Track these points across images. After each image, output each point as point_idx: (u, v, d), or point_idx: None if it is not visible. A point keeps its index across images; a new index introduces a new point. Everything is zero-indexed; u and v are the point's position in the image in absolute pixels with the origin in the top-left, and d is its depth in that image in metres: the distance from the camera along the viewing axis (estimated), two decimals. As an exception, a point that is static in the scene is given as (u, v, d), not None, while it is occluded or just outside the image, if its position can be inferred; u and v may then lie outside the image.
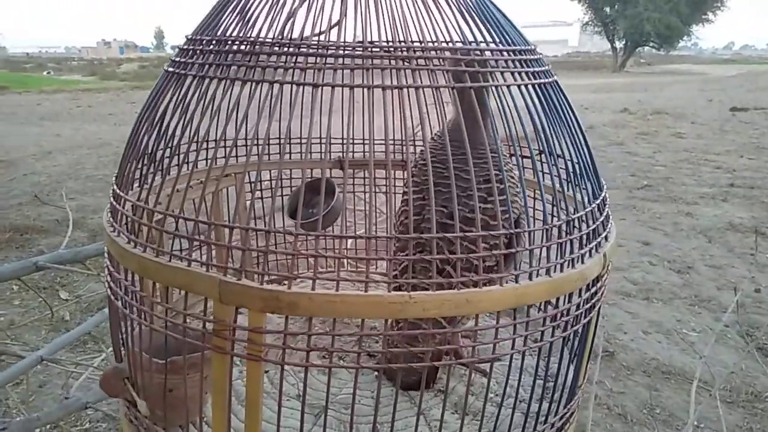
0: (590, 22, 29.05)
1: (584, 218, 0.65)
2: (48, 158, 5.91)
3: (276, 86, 0.58)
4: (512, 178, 0.78)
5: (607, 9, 27.51)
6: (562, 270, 0.60)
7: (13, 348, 1.46)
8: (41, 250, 3.26)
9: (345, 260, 1.13)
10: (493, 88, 0.61)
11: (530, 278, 0.58)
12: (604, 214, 0.69)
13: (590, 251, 0.64)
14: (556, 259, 0.60)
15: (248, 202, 0.99)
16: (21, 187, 4.72)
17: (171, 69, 0.67)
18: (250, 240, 0.66)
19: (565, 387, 0.70)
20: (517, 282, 0.57)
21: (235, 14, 0.66)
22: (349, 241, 1.20)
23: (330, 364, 0.58)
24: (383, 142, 1.07)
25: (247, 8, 0.65)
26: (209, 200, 0.88)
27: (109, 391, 0.70)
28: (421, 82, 0.58)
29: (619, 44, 28.05)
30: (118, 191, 0.70)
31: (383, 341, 0.72)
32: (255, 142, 0.63)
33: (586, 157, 0.69)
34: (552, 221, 0.61)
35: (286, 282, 0.54)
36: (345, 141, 0.58)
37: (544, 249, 0.60)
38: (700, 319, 2.64)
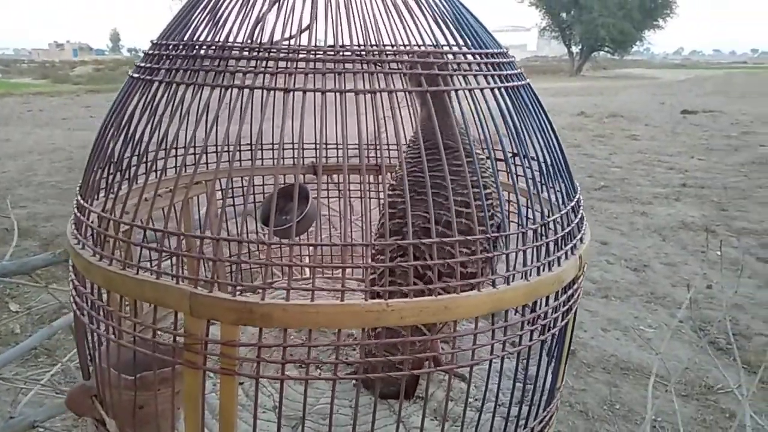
0: (548, 28, 29.72)
1: (559, 220, 0.64)
2: (-4, 164, 5.67)
3: (246, 91, 0.57)
4: (493, 183, 0.77)
5: (564, 14, 28.21)
6: (538, 273, 0.60)
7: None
8: (-11, 261, 3.12)
9: (321, 268, 1.12)
10: (467, 91, 0.61)
11: (507, 283, 0.57)
12: (579, 215, 0.69)
13: (566, 253, 0.63)
14: (532, 262, 0.60)
15: (219, 210, 0.97)
16: (-33, 195, 4.50)
17: (137, 75, 0.65)
18: (222, 250, 0.64)
19: (544, 390, 0.70)
20: (494, 287, 0.57)
21: (203, 17, 0.64)
22: (325, 248, 1.19)
23: (306, 376, 0.57)
24: (356, 146, 1.07)
25: (216, 11, 0.64)
26: (178, 209, 0.86)
27: (76, 409, 0.67)
28: (394, 86, 0.57)
29: (575, 49, 28.81)
30: (82, 202, 0.67)
31: (360, 350, 0.70)
32: (225, 148, 0.61)
33: (559, 158, 0.69)
34: (527, 224, 0.61)
35: (259, 292, 0.53)
36: (318, 146, 0.58)
37: (521, 253, 0.59)
38: (656, 315, 2.73)
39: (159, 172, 0.64)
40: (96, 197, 0.68)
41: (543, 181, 0.67)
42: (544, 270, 0.60)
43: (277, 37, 0.60)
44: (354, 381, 0.81)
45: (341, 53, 0.57)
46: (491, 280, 0.57)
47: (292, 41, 0.60)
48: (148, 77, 0.63)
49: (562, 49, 31.97)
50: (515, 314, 0.63)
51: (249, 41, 0.59)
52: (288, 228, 1.03)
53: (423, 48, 0.62)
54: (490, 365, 0.64)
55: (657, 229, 3.98)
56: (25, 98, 12.39)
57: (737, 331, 2.51)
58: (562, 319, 0.65)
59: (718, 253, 3.41)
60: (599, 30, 25.93)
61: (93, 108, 10.13)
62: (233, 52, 0.59)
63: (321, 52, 0.57)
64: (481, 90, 0.62)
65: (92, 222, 0.64)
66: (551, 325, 0.63)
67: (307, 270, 1.12)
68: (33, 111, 10.17)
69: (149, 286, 0.55)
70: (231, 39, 0.60)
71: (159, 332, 0.57)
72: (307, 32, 0.59)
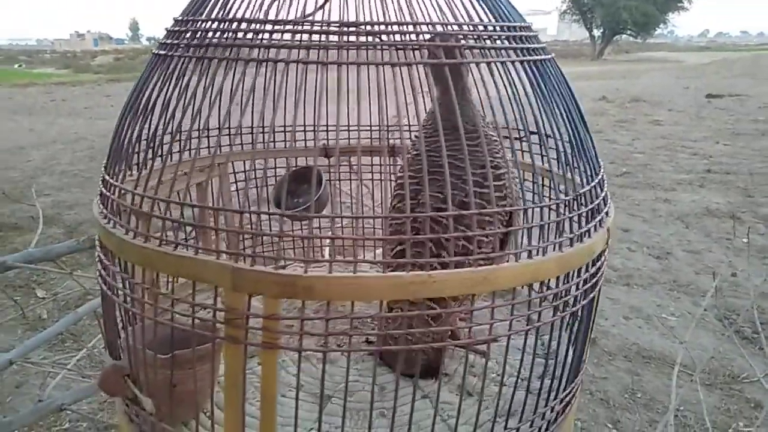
0: (568, 11, 29.22)
1: (589, 194, 0.65)
2: (21, 154, 5.77)
3: (281, 66, 0.55)
4: (505, 164, 0.78)
5: (585, -3, 27.69)
6: (571, 245, 0.60)
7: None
8: (15, 248, 3.19)
9: (361, 242, 1.11)
10: (493, 64, 0.60)
11: (543, 254, 0.58)
12: (605, 190, 0.70)
13: (595, 226, 0.64)
14: (563, 235, 0.60)
15: (233, 192, 0.97)
16: (-7, 183, 4.60)
17: (163, 52, 0.64)
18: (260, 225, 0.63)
19: (571, 366, 0.70)
20: (530, 258, 0.57)
21: None
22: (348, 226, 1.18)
23: (349, 348, 0.57)
24: (368, 128, 1.05)
25: None
26: (200, 189, 0.86)
27: (109, 390, 0.66)
28: (415, 59, 0.56)
29: (597, 32, 28.29)
30: (111, 180, 0.67)
31: (381, 325, 0.71)
32: (260, 129, 0.60)
33: (584, 133, 0.69)
34: (559, 197, 0.62)
35: (302, 266, 0.52)
36: (329, 128, 0.57)
37: (553, 225, 0.60)
38: (679, 303, 2.69)
39: (193, 151, 0.63)
40: (126, 175, 0.67)
41: (572, 155, 0.67)
42: (576, 242, 0.61)
43: (304, 12, 0.59)
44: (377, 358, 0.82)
45: (369, 27, 0.56)
46: (528, 251, 0.57)
47: (317, 15, 0.59)
48: (168, 53, 0.62)
49: (583, 32, 31.40)
50: (541, 288, 0.63)
51: (259, 16, 0.58)
52: (304, 208, 1.03)
53: (443, 22, 0.61)
54: (508, 341, 0.63)
55: (680, 215, 3.91)
56: (48, 88, 12.58)
57: (764, 320, 2.46)
58: (591, 292, 0.65)
59: (745, 240, 3.34)
60: (621, 12, 25.40)
61: (114, 97, 10.24)
62: (247, 26, 0.57)
63: (351, 27, 0.56)
64: (503, 64, 0.61)
65: (123, 200, 0.63)
66: (581, 298, 0.64)
67: (326, 250, 1.12)
68: (56, 101, 10.32)
69: (188, 262, 0.54)
70: (247, 15, 0.59)
71: (196, 308, 0.56)
72: (330, 8, 0.58)
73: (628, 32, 28.24)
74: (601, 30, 27.92)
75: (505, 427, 0.66)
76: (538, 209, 0.61)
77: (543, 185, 0.83)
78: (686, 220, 3.83)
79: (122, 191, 0.64)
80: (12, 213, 3.79)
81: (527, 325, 0.59)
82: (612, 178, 4.86)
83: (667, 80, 13.33)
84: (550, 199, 0.62)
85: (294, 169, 1.10)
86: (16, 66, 22.14)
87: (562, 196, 0.62)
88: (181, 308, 0.58)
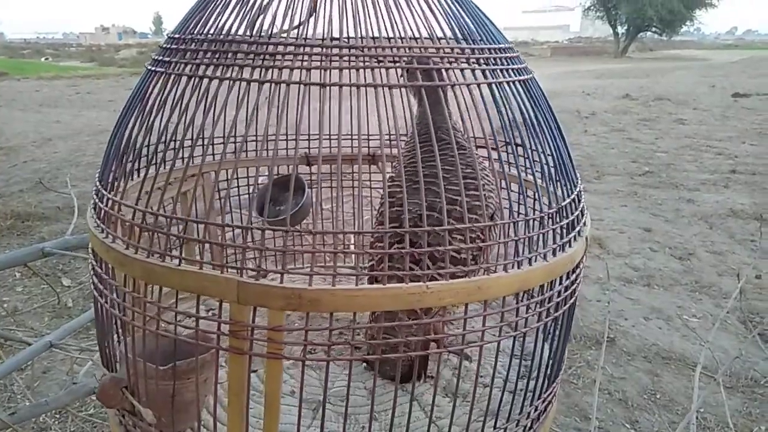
0: (592, 7, 28.79)
1: (569, 206, 0.69)
2: (48, 145, 5.89)
3: (254, 84, 0.58)
4: (486, 176, 0.83)
5: (610, -7, 27.26)
6: (554, 255, 0.64)
7: (17, 334, 1.46)
8: (43, 237, 3.27)
9: (341, 255, 1.14)
10: (488, 84, 0.64)
11: (530, 263, 0.61)
12: (582, 201, 0.74)
13: (575, 236, 0.68)
14: (547, 245, 0.64)
15: (217, 202, 0.99)
16: (22, 174, 4.71)
17: (160, 69, 0.66)
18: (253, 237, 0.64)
19: (552, 367, 0.74)
20: (520, 267, 0.60)
21: (224, 10, 0.65)
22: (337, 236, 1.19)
23: (351, 357, 0.61)
24: (349, 137, 1.08)
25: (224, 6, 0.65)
26: (184, 200, 0.88)
27: (107, 402, 0.66)
28: (387, 79, 0.59)
29: (621, 29, 27.84)
30: (106, 193, 0.67)
31: (373, 333, 0.75)
32: (233, 140, 0.63)
33: (564, 149, 0.73)
34: (543, 209, 0.67)
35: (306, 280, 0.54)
36: (311, 137, 0.60)
37: (540, 236, 0.64)
38: (700, 305, 2.65)
39: (186, 160, 0.65)
40: (121, 188, 0.67)
41: (555, 169, 0.71)
42: (558, 251, 0.64)
43: (290, 25, 0.61)
44: (365, 364, 0.88)
45: (363, 48, 0.59)
46: (516, 262, 0.60)
47: (299, 31, 0.62)
48: (168, 71, 0.64)
49: (607, 29, 30.95)
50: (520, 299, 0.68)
51: (248, 35, 0.60)
52: (283, 218, 1.03)
53: (421, 43, 0.65)
54: (498, 347, 0.67)
55: (704, 216, 3.85)
56: (74, 81, 12.81)
57: (788, 324, 2.42)
58: (571, 298, 0.69)
59: (770, 242, 3.28)
60: (647, 9, 24.96)
61: (137, 90, 10.37)
62: (255, 47, 0.59)
63: (340, 47, 0.58)
64: (478, 85, 0.64)
65: (122, 214, 0.64)
66: (563, 303, 0.68)
67: (329, 257, 1.14)
68: (81, 93, 10.51)
69: (192, 276, 0.55)
70: (235, 31, 0.61)
71: (195, 319, 0.57)
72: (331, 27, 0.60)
73: (654, 29, 27.76)
74: (626, 27, 27.49)
75: (495, 427, 0.69)
76: (525, 221, 0.65)
77: (528, 197, 0.88)
78: (710, 220, 3.77)
79: (118, 204, 0.65)
80: (39, 203, 3.88)
81: (515, 330, 0.63)
82: (633, 177, 4.81)
83: (693, 79, 13.09)
84: (535, 211, 0.66)
85: (276, 177, 1.10)
86: (43, 59, 22.56)
87: (546, 209, 0.67)
88: (170, 317, 0.60)
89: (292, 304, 0.53)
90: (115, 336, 0.70)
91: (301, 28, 0.62)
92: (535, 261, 0.61)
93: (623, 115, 7.77)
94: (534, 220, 0.64)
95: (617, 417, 1.89)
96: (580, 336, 2.33)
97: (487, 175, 0.83)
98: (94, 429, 1.77)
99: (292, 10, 0.62)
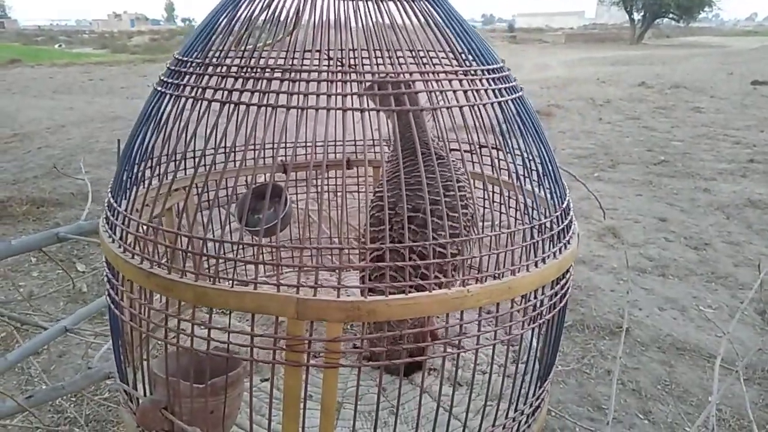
0: (608, -7, 28.31)
1: (560, 215, 0.75)
2: (62, 131, 5.93)
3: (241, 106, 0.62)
4: (466, 180, 0.88)
5: (626, -21, 26.78)
6: (560, 252, 0.71)
7: (34, 319, 1.48)
8: (57, 223, 3.29)
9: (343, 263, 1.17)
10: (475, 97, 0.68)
11: (543, 263, 0.68)
12: (572, 210, 0.80)
13: (566, 243, 0.74)
14: (554, 247, 0.71)
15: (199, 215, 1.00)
16: (36, 160, 4.75)
17: (169, 91, 0.69)
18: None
19: (547, 366, 0.79)
20: (537, 267, 0.67)
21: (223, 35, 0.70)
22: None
23: (401, 360, 0.65)
24: (323, 143, 1.10)
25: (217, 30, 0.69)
26: (169, 215, 0.89)
27: (149, 425, 0.66)
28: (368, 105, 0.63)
29: (637, 16, 27.37)
30: (136, 219, 0.67)
31: (406, 338, 0.80)
32: (215, 151, 0.67)
33: (553, 161, 0.79)
34: (538, 219, 0.73)
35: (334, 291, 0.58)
36: (287, 145, 0.62)
37: (538, 243, 0.70)
38: (716, 296, 2.62)
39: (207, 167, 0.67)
40: (132, 204, 0.69)
41: (546, 181, 0.77)
42: (562, 251, 0.72)
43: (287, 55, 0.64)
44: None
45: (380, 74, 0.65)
46: (537, 260, 0.68)
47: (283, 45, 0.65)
48: (173, 93, 0.68)
49: (623, 15, 30.41)
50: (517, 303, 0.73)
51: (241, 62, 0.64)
52: (264, 227, 1.02)
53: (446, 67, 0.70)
54: (494, 349, 0.72)
55: (720, 206, 3.79)
56: (87, 68, 12.87)
57: (806, 315, 2.38)
58: (564, 298, 0.75)
59: (788, 232, 3.23)
60: (664, -5, 24.50)
61: (150, 77, 10.41)
62: (256, 72, 0.62)
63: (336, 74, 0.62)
64: (500, 103, 0.70)
65: (161, 240, 0.64)
66: (558, 304, 0.73)
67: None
68: (94, 80, 10.56)
69: (250, 297, 0.57)
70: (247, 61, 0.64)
71: (234, 335, 0.60)
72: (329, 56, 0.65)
73: (671, 16, 27.26)
74: (642, 13, 27.02)
75: (496, 413, 0.74)
76: (521, 227, 0.70)
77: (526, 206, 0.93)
78: (726, 210, 3.72)
79: (154, 229, 0.65)
80: (53, 189, 3.91)
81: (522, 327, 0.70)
82: (649, 166, 4.75)
83: (710, 66, 12.86)
84: (531, 219, 0.72)
85: (255, 186, 1.09)
86: (56, 46, 22.68)
87: (542, 218, 0.72)
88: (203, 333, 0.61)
89: (351, 316, 0.57)
90: (137, 353, 0.71)
91: (283, 43, 0.65)
92: (549, 259, 0.70)
93: (639, 103, 7.66)
94: (531, 228, 0.70)
95: (630, 407, 1.88)
96: (593, 326, 2.31)
97: (467, 180, 0.88)
98: (108, 413, 1.79)
99: (276, 27, 0.66)
